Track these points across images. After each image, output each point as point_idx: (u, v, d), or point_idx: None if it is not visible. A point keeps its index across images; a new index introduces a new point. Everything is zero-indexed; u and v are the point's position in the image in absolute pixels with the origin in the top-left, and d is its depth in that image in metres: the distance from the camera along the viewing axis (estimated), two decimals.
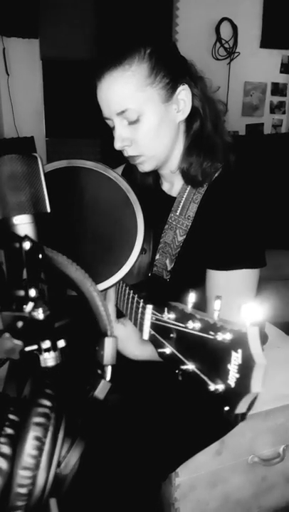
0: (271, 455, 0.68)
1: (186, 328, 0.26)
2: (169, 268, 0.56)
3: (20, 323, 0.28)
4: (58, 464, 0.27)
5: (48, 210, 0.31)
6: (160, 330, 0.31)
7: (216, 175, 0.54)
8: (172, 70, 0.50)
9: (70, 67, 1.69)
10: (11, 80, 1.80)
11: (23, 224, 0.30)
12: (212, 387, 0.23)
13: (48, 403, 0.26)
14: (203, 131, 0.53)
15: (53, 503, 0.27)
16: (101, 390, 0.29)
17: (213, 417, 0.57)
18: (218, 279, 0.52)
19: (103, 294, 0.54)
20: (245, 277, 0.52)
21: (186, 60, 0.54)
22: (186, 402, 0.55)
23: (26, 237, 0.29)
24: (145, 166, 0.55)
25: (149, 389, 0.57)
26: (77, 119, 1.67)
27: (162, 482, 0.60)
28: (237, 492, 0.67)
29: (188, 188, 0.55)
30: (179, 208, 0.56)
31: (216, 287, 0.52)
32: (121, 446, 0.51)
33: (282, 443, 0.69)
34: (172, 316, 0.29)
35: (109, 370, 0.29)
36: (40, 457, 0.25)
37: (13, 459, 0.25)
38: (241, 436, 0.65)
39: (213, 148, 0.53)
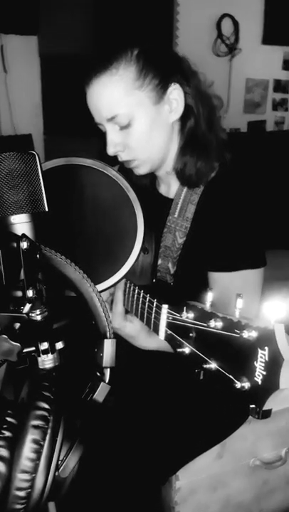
0: (273, 458, 0.68)
1: (207, 327, 0.26)
2: (171, 272, 0.55)
3: (17, 325, 0.28)
4: (57, 467, 0.26)
5: (46, 209, 0.30)
6: (177, 329, 0.31)
7: (213, 174, 0.53)
8: (162, 69, 0.49)
9: (68, 65, 1.68)
10: (9, 77, 1.79)
11: (20, 223, 0.29)
12: (238, 384, 0.23)
13: (46, 406, 0.26)
14: (197, 129, 0.52)
15: (51, 506, 0.26)
16: (100, 393, 0.28)
17: (215, 419, 0.56)
18: (221, 281, 0.51)
19: (106, 294, 0.53)
20: (248, 278, 0.51)
21: (178, 55, 0.53)
22: (188, 404, 0.55)
23: (24, 237, 0.28)
24: (140, 170, 0.54)
25: (149, 391, 0.57)
26: (76, 117, 1.65)
27: (162, 485, 0.60)
28: (238, 495, 0.66)
29: (184, 189, 0.54)
30: (177, 210, 0.55)
31: (220, 289, 0.51)
32: (120, 449, 0.51)
33: (284, 446, 0.69)
34: (191, 315, 0.29)
35: (108, 372, 0.29)
36: (38, 460, 0.25)
37: (11, 462, 0.25)
38: (243, 439, 0.64)
39: (207, 147, 0.52)
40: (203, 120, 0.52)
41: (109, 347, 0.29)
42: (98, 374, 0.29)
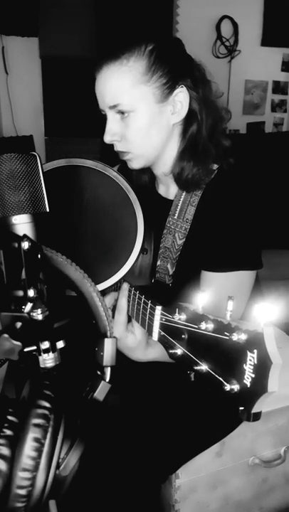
0: (272, 456, 0.68)
1: (198, 329, 0.26)
2: (170, 272, 0.55)
3: (19, 324, 0.28)
4: (58, 465, 0.27)
5: (47, 209, 0.31)
6: (170, 331, 0.31)
7: (213, 176, 0.53)
8: (172, 69, 0.50)
9: (69, 66, 1.69)
10: (10, 78, 1.80)
11: (22, 223, 0.29)
12: (227, 387, 0.23)
13: (47, 404, 0.26)
14: (198, 136, 0.52)
15: (52, 504, 0.27)
16: (100, 391, 0.29)
17: (214, 418, 0.57)
18: (215, 281, 0.52)
19: (111, 300, 0.52)
20: (241, 279, 0.52)
21: (193, 60, 0.53)
22: (187, 403, 0.55)
23: (25, 237, 0.28)
24: (133, 163, 0.54)
25: (149, 390, 0.57)
26: (77, 118, 1.67)
27: (162, 484, 0.60)
28: (237, 494, 0.66)
29: (184, 191, 0.55)
30: (177, 212, 0.55)
31: (212, 289, 0.51)
32: (121, 448, 0.51)
33: (283, 444, 0.69)
34: (183, 317, 0.29)
35: (108, 371, 0.29)
36: (39, 459, 0.25)
37: (12, 460, 0.25)
38: (242, 437, 0.64)
39: (206, 155, 0.52)
40: (206, 128, 0.52)
41: (109, 346, 0.30)
42: (99, 373, 0.29)
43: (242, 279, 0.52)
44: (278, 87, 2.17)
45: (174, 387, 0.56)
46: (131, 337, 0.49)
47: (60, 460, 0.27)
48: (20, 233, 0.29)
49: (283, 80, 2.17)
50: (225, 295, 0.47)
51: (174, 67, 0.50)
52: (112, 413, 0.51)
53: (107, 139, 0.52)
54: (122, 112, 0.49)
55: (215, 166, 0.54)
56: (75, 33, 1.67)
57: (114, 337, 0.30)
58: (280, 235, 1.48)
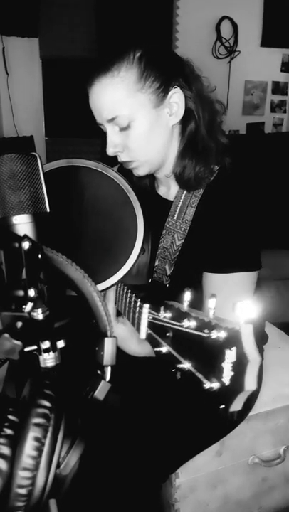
0: (272, 456, 0.68)
1: (181, 326, 0.26)
2: (168, 273, 0.56)
3: (19, 324, 0.28)
4: (58, 465, 0.27)
5: (48, 209, 0.31)
6: (157, 329, 0.31)
7: (213, 177, 0.54)
8: (164, 72, 0.49)
9: (69, 67, 1.69)
10: (11, 79, 1.80)
11: (22, 224, 0.30)
12: (207, 385, 0.23)
13: (47, 404, 0.26)
14: (197, 133, 0.52)
15: (52, 503, 0.27)
16: (101, 391, 0.29)
17: (213, 417, 0.57)
18: (215, 282, 0.52)
19: (102, 293, 0.53)
20: (241, 280, 0.52)
21: (181, 59, 0.53)
22: (187, 403, 0.55)
23: (26, 237, 0.28)
24: (140, 171, 0.54)
25: (149, 390, 0.57)
26: (77, 119, 1.67)
27: (162, 483, 0.60)
28: (237, 493, 0.67)
29: (184, 192, 0.55)
30: (176, 212, 0.55)
31: (213, 290, 0.52)
32: (121, 447, 0.51)
33: (283, 444, 0.69)
34: (168, 314, 0.29)
35: (108, 370, 0.29)
36: (39, 458, 0.25)
37: (12, 459, 0.25)
38: (242, 437, 0.65)
39: (207, 152, 0.52)
40: (204, 124, 0.52)
41: (109, 345, 0.30)
42: (99, 372, 0.30)
43: (244, 279, 0.52)
44: (278, 88, 2.17)
45: (174, 387, 0.56)
46: (122, 327, 0.50)
47: (61, 459, 0.27)
48: (21, 233, 0.29)
49: (283, 81, 2.17)
50: (228, 296, 0.47)
51: (165, 69, 0.50)
52: (112, 412, 0.51)
53: (110, 151, 0.52)
54: (120, 124, 0.49)
55: (216, 167, 0.54)
56: (76, 34, 1.67)
57: (115, 337, 0.30)
58: (280, 235, 1.48)
